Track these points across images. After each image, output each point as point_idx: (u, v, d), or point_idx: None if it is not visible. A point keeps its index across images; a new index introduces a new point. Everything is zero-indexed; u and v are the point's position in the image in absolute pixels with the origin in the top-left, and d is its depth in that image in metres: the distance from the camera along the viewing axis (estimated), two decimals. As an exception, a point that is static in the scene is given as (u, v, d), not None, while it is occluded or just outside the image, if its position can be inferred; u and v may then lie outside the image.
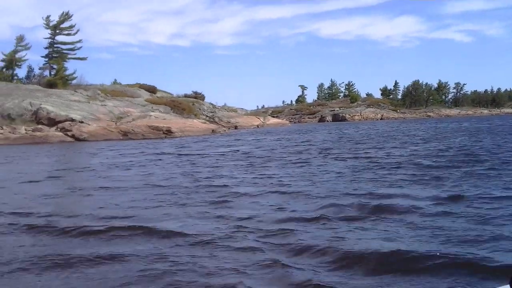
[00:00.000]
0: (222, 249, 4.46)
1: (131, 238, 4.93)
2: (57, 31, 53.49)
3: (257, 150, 17.73)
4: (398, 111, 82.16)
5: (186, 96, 61.46)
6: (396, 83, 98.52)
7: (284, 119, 73.07)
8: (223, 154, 16.05)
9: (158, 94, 59.06)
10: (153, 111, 43.73)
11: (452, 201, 6.26)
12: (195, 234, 4.90)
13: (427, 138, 21.94)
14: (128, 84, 61.66)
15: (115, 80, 67.20)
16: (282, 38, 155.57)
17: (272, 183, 8.57)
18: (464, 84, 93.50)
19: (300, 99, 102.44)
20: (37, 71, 56.18)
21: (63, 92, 45.09)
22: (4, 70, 55.14)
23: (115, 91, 51.96)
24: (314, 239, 4.64)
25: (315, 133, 33.88)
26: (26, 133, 31.92)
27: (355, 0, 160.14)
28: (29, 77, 55.93)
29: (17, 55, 54.52)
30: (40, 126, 32.88)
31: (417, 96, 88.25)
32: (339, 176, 9.31)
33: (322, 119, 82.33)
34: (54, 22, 53.00)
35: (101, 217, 6.00)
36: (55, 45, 53.87)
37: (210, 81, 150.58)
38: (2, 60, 54.79)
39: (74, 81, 52.24)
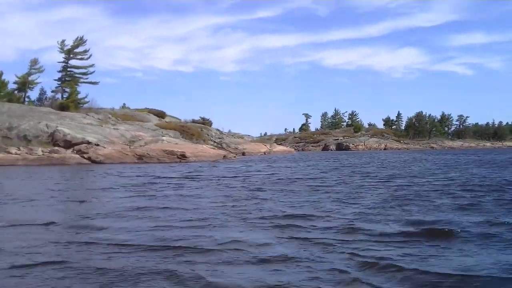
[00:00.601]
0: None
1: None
2: (71, 55, 54.59)
3: (302, 176, 18.20)
4: (402, 141, 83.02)
5: (194, 121, 62.33)
6: (399, 114, 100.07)
7: (288, 147, 73.80)
8: (272, 180, 16.53)
9: (167, 119, 59.89)
10: (163, 136, 44.50)
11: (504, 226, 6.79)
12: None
13: (450, 168, 22.52)
14: (137, 109, 62.60)
15: (124, 104, 68.26)
16: (285, 67, 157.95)
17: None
18: (467, 117, 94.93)
19: (304, 127, 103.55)
20: (49, 94, 57.06)
21: (76, 115, 45.79)
22: (16, 92, 56.08)
23: (126, 115, 52.78)
24: (399, 257, 5.15)
25: (332, 161, 34.36)
26: (43, 154, 32.45)
27: (358, 30, 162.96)
28: (41, 99, 56.73)
29: (30, 78, 55.51)
30: (56, 148, 33.44)
31: (420, 128, 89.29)
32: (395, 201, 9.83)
33: (325, 148, 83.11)
34: (68, 47, 54.19)
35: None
36: (68, 69, 54.90)
37: (213, 107, 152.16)
38: (15, 82, 55.76)
39: (85, 105, 53.14)
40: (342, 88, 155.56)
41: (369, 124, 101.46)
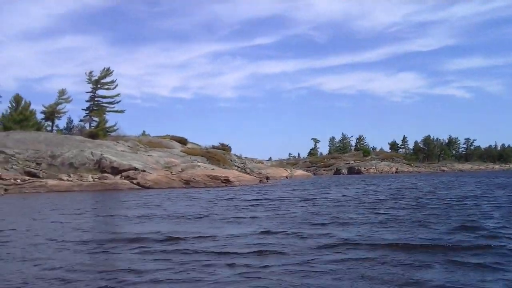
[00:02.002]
0: None
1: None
2: (98, 86, 56.66)
3: (388, 197, 19.89)
4: (412, 165, 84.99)
5: (214, 147, 64.07)
6: (404, 138, 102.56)
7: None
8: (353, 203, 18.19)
9: (189, 145, 61.64)
10: (192, 161, 46.20)
11: None
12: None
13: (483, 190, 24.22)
14: (158, 136, 64.35)
15: (144, 131, 69.92)
16: (284, 92, 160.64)
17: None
18: (474, 140, 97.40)
19: (312, 152, 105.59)
20: (76, 122, 58.92)
21: (108, 143, 47.51)
22: (43, 121, 57.96)
23: (151, 143, 54.50)
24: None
25: (370, 185, 35.85)
26: (93, 180, 34.08)
27: (356, 56, 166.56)
28: (68, 128, 58.47)
29: (58, 107, 57.41)
30: (105, 174, 35.07)
31: (429, 151, 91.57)
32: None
33: (337, 172, 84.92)
34: (96, 77, 56.33)
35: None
36: (95, 99, 56.90)
37: (214, 133, 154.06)
38: (42, 112, 57.65)
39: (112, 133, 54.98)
40: (342, 113, 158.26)
41: (373, 148, 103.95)
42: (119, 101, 57.20)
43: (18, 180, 34.52)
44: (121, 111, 57.82)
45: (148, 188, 32.92)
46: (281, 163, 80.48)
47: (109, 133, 54.45)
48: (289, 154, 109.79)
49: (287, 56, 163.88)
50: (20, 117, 55.43)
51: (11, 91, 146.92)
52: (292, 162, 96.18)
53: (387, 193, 22.84)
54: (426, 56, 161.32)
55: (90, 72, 56.31)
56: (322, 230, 9.30)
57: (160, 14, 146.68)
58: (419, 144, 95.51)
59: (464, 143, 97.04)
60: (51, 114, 57.17)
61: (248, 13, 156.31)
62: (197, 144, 65.06)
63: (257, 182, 38.55)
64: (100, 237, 9.06)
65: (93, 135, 51.29)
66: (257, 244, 7.72)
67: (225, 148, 65.28)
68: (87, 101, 57.02)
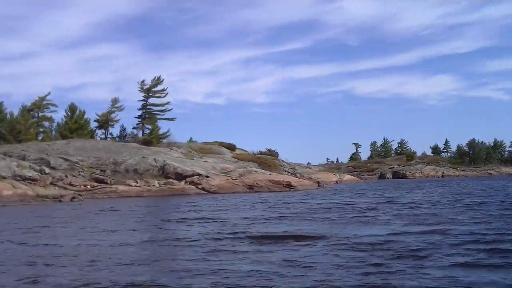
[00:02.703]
0: None
1: None
2: (150, 94, 58.12)
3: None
4: (458, 169, 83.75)
5: (261, 153, 64.73)
6: (446, 141, 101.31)
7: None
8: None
9: (237, 151, 62.42)
10: (245, 167, 46.86)
11: None
12: None
13: None
14: (206, 142, 65.36)
15: (191, 138, 71.05)
16: (316, 96, 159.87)
17: None
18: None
19: (354, 157, 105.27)
20: (128, 130, 60.60)
21: (163, 149, 48.72)
22: (96, 129, 59.85)
23: (203, 149, 55.47)
24: None
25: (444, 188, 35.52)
26: (159, 186, 35.08)
27: (389, 58, 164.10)
28: (121, 135, 60.12)
29: (111, 116, 59.15)
30: (170, 180, 36.03)
31: (474, 155, 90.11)
32: None
33: (382, 176, 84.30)
34: (147, 86, 57.83)
35: None
36: (147, 107, 58.39)
37: (249, 138, 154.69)
38: (96, 120, 59.46)
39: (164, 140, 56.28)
40: (376, 117, 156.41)
41: (413, 152, 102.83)
42: (171, 109, 58.58)
43: (88, 186, 35.88)
44: (172, 119, 59.25)
45: (213, 193, 33.69)
46: (327, 168, 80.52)
47: (161, 140, 55.74)
48: (327, 159, 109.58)
49: (319, 60, 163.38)
50: (75, 125, 57.41)
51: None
52: (334, 167, 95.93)
53: (477, 195, 22.84)
54: (461, 58, 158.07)
55: (143, 81, 57.91)
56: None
57: (190, 21, 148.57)
58: (464, 148, 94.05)
59: (510, 146, 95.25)
60: (105, 122, 58.91)
61: (279, 18, 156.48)
62: (245, 150, 65.79)
63: (315, 186, 38.88)
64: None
65: (147, 142, 52.60)
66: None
67: (272, 154, 65.85)
68: (139, 109, 58.73)
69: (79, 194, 32.33)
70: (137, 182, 35.79)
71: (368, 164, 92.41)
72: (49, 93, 56.96)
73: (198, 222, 12.97)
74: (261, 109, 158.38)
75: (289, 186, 34.88)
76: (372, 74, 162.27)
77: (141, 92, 58.05)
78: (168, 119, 59.03)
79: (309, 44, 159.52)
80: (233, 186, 34.96)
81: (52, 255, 8.04)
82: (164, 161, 38.82)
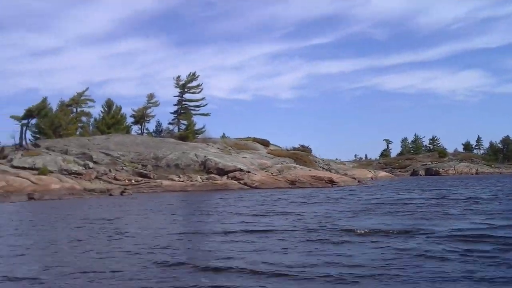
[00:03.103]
0: None
1: None
2: (185, 90, 58.67)
3: None
4: (492, 166, 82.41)
5: (294, 149, 64.75)
6: (478, 138, 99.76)
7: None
8: None
9: (271, 147, 62.57)
10: (281, 163, 47.00)
11: None
12: None
13: None
14: (239, 138, 65.67)
15: (223, 134, 71.43)
16: (342, 92, 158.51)
17: None
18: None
19: (385, 153, 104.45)
20: (164, 126, 61.32)
21: (199, 145, 49.19)
22: (132, 124, 60.71)
23: (238, 144, 55.75)
24: None
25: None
26: (202, 181, 35.50)
27: (417, 54, 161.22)
28: (157, 131, 60.88)
29: (147, 111, 59.91)
30: (212, 175, 36.42)
31: (509, 152, 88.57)
32: None
33: (414, 173, 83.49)
34: (183, 81, 58.38)
35: None
36: (183, 102, 58.97)
37: (274, 134, 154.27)
38: (132, 116, 60.30)
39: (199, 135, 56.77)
40: (402, 113, 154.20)
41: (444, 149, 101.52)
42: (206, 105, 59.04)
43: (132, 181, 36.55)
44: (207, 114, 59.66)
45: (255, 188, 33.94)
46: (358, 164, 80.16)
47: (197, 135, 56.21)
48: (355, 155, 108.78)
49: (345, 55, 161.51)
50: (112, 120, 58.36)
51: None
52: (365, 163, 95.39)
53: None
54: (492, 53, 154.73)
55: (178, 77, 58.49)
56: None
57: (215, 16, 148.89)
58: (497, 145, 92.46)
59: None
60: (141, 117, 59.68)
61: (305, 13, 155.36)
62: (278, 146, 65.88)
63: (356, 182, 38.83)
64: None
65: (183, 138, 53.12)
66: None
67: (305, 150, 65.82)
68: (174, 105, 59.27)
69: (125, 189, 32.96)
70: (179, 177, 36.29)
71: (400, 161, 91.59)
72: (87, 89, 57.98)
73: (277, 216, 13.20)
74: (286, 105, 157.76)
75: (331, 182, 34.91)
76: (398, 69, 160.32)
77: (177, 87, 58.62)
78: (203, 114, 59.53)
79: (335, 39, 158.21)
80: (275, 182, 35.15)
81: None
82: (205, 156, 39.24)
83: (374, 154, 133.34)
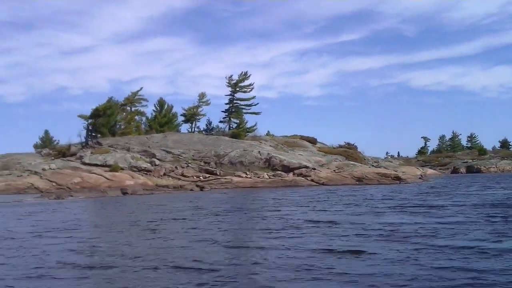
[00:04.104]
0: None
1: None
2: (237, 89, 59.95)
3: None
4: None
5: (340, 146, 65.43)
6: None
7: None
8: None
9: (318, 145, 63.41)
10: (334, 160, 47.82)
11: None
12: None
13: None
14: (285, 135, 66.63)
15: (268, 131, 72.52)
16: (371, 89, 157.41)
17: None
18: None
19: (422, 150, 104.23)
20: (214, 124, 62.87)
21: (253, 142, 50.30)
22: (182, 123, 62.32)
23: (288, 142, 56.76)
24: None
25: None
26: (270, 178, 36.62)
27: (448, 50, 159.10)
28: (208, 129, 62.31)
29: (198, 110, 61.45)
30: (278, 172, 37.52)
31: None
32: None
33: (454, 171, 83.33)
34: (234, 81, 59.69)
35: None
36: (234, 101, 60.29)
37: (302, 131, 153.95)
38: (183, 114, 61.87)
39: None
40: (433, 110, 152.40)
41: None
42: (257, 104, 60.25)
43: (201, 177, 37.92)
44: (257, 113, 60.77)
45: (323, 184, 34.93)
46: (400, 162, 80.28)
47: (247, 133, 57.42)
48: (387, 152, 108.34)
49: (374, 51, 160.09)
50: (164, 119, 60.01)
51: (105, 93, 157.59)
52: (404, 161, 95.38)
53: None
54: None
55: (230, 76, 59.81)
56: None
57: (244, 13, 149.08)
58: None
59: None
60: (192, 116, 61.22)
61: (333, 9, 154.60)
62: (324, 144, 66.64)
63: (419, 180, 39.53)
64: None
65: (235, 136, 54.38)
66: None
67: (351, 147, 66.44)
68: (226, 104, 60.65)
69: (196, 185, 34.27)
70: (246, 174, 37.48)
71: (439, 158, 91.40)
72: (141, 89, 59.61)
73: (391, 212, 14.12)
74: (314, 102, 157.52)
75: (398, 179, 35.66)
76: (429, 65, 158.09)
77: (228, 86, 59.94)
78: (254, 113, 60.71)
79: (364, 35, 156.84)
80: (342, 179, 36.09)
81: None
82: (269, 153, 40.36)
83: (406, 151, 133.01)
